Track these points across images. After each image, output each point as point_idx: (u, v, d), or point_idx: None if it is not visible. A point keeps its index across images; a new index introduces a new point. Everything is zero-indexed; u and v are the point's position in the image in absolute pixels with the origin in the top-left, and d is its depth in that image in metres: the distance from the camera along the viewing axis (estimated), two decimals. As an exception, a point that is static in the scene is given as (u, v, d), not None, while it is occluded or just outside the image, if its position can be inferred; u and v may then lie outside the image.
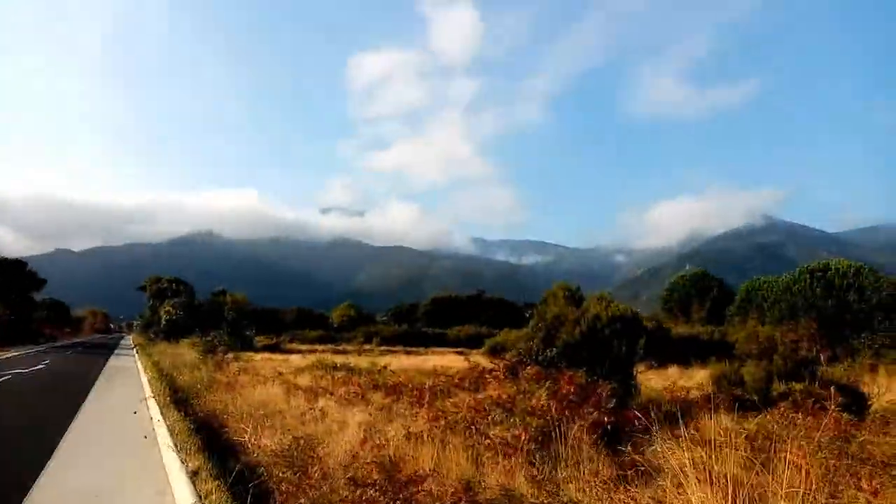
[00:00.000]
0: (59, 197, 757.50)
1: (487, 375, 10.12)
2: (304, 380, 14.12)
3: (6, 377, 16.64)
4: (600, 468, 4.76)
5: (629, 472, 4.50)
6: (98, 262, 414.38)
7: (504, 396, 7.75)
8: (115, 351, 38.52)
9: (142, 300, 55.57)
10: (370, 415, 8.68)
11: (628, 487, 4.14)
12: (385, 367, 19.72)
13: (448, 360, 31.12)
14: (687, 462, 5.12)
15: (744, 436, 5.56)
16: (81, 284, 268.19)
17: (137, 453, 7.26)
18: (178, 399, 12.00)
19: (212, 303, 43.49)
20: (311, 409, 9.73)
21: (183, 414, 9.82)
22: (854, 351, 22.63)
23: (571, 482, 4.33)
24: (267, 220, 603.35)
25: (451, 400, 8.63)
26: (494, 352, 31.09)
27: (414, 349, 43.68)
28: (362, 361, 22.24)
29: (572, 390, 7.74)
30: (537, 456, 5.42)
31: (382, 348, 44.22)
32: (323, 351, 42.14)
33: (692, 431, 7.53)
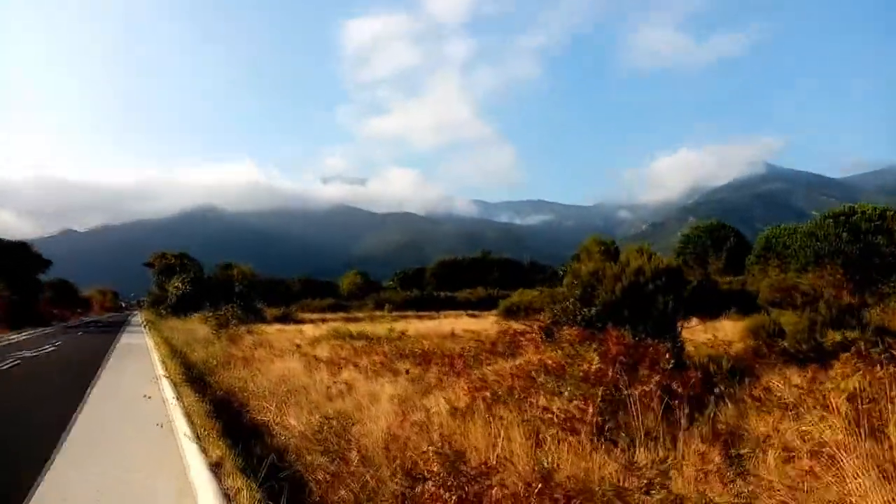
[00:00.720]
0: (61, 177, 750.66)
1: (522, 339, 9.43)
2: (323, 351, 13.50)
3: (15, 362, 16.09)
4: (700, 447, 4.04)
5: (744, 451, 3.78)
6: (104, 241, 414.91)
7: (550, 361, 7.04)
8: (125, 329, 38.25)
9: (149, 277, 55.30)
10: (402, 387, 8.02)
11: (750, 472, 3.43)
12: (403, 334, 19.16)
13: (464, 323, 30.59)
14: (795, 433, 4.41)
15: (844, 397, 4.79)
16: (89, 264, 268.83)
17: (152, 444, 6.61)
18: (192, 377, 11.41)
19: (220, 276, 42.95)
20: (335, 382, 9.09)
21: (199, 394, 9.20)
22: (884, 295, 21.90)
23: (674, 466, 3.59)
24: (267, 192, 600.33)
25: (488, 367, 7.93)
26: (510, 313, 30.55)
27: (426, 314, 43.27)
28: (377, 328, 21.64)
29: (622, 351, 7.02)
30: (613, 432, 4.70)
31: (394, 314, 43.82)
32: (334, 320, 41.80)
33: (762, 392, 6.83)
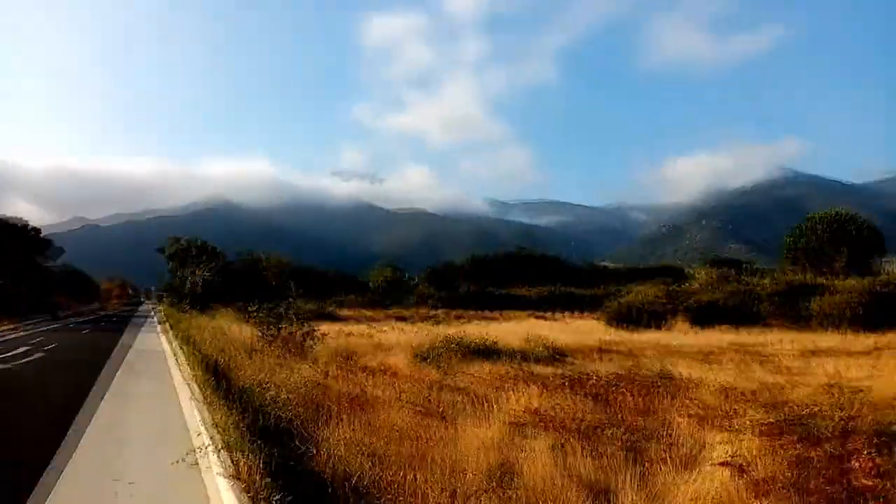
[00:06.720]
0: (75, 167, 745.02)
1: None
2: (513, 393, 7.19)
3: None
4: None
5: None
6: (120, 233, 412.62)
7: None
8: (139, 323, 33.12)
9: (163, 265, 49.57)
10: None
11: None
12: (552, 346, 12.99)
13: (557, 328, 24.34)
14: None
15: None
16: (105, 255, 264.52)
17: None
18: (271, 452, 5.06)
19: (246, 264, 36.83)
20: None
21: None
22: None
23: None
24: (283, 187, 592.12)
25: None
26: (622, 317, 24.10)
27: (485, 314, 37.00)
28: (503, 332, 15.25)
29: None
30: None
31: (445, 312, 37.68)
32: (379, 318, 35.92)
33: None
